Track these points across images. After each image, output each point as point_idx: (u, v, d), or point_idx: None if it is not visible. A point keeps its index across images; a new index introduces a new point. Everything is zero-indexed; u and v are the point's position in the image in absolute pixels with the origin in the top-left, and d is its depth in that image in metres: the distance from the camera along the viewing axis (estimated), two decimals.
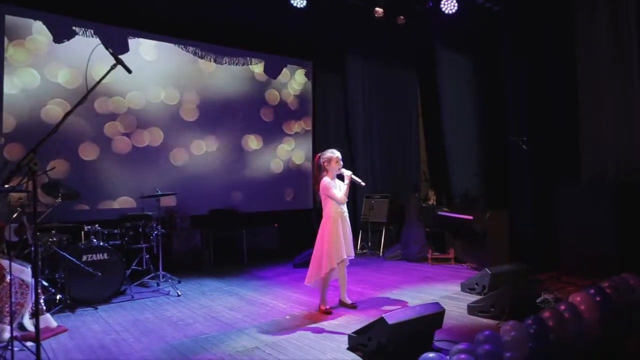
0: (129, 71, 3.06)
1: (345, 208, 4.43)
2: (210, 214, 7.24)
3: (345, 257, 4.41)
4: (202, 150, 7.34)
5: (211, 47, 7.44)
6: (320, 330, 3.90)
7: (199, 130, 7.31)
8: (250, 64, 7.94)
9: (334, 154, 4.42)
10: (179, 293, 5.22)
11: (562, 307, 3.28)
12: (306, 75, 8.64)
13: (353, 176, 4.39)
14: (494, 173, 7.03)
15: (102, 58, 3.32)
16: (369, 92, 8.59)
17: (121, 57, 3.02)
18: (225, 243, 7.13)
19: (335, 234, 4.32)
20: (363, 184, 4.42)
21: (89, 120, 6.35)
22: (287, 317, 4.30)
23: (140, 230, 5.48)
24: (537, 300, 4.32)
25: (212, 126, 7.44)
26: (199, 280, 5.96)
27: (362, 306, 4.59)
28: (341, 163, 4.42)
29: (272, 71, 8.19)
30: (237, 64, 7.78)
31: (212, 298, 5.07)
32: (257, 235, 7.57)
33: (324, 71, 8.68)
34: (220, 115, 7.54)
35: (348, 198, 4.49)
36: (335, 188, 4.38)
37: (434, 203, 7.80)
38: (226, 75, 7.64)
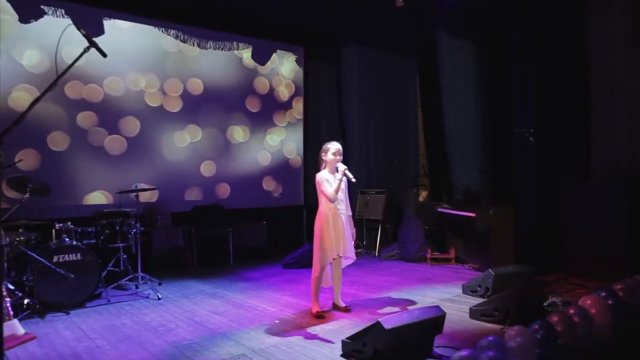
0: (104, 55, 2.98)
1: (341, 206, 4.44)
2: (193, 210, 7.21)
3: (338, 257, 4.41)
4: (185, 142, 7.30)
5: (194, 30, 7.38)
6: (312, 336, 3.90)
7: (182, 121, 7.27)
8: (237, 49, 7.89)
9: (333, 145, 4.43)
10: (160, 296, 5.20)
11: (572, 311, 3.26)
12: (297, 62, 8.61)
13: (346, 171, 4.39)
14: (498, 167, 7.04)
15: (74, 40, 3.24)
16: (365, 81, 8.58)
17: (96, 39, 2.94)
18: (210, 242, 7.12)
19: (326, 231, 4.33)
20: (354, 180, 4.43)
21: (60, 107, 6.25)
22: (277, 321, 4.29)
23: (118, 228, 5.43)
24: (545, 304, 4.32)
25: (195, 116, 7.40)
26: (181, 282, 5.94)
27: (356, 310, 4.59)
28: (340, 157, 4.43)
29: (261, 57, 8.14)
30: (222, 49, 7.72)
31: (196, 301, 5.05)
32: (244, 233, 7.56)
33: (317, 58, 8.66)
34: (205, 104, 7.50)
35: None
36: (329, 183, 4.39)
37: (427, 199, 7.81)
38: (211, 61, 7.58)
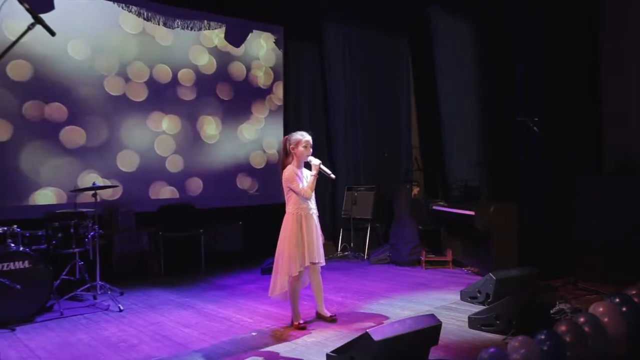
0: (52, 33, 2.88)
1: (312, 204, 4.42)
2: (160, 210, 7.15)
3: (314, 262, 4.38)
4: (150, 135, 7.22)
5: (159, 6, 7.26)
6: (293, 350, 3.87)
7: (146, 110, 7.18)
8: (209, 29, 7.80)
9: (303, 136, 4.40)
10: (121, 307, 5.13)
11: (582, 320, 3.27)
12: (276, 43, 8.56)
13: (322, 166, 4.38)
14: (499, 160, 7.06)
15: (17, 15, 3.11)
16: (351, 64, 8.57)
17: (44, 16, 2.84)
18: (179, 245, 7.09)
19: (297, 235, 4.30)
20: (333, 175, 4.43)
21: (2, 90, 6.08)
22: (253, 333, 4.27)
23: (72, 231, 5.33)
24: (551, 311, 4.32)
25: (161, 105, 7.31)
26: (146, 292, 5.90)
27: (342, 319, 4.58)
28: (310, 149, 4.41)
29: (235, 38, 8.06)
30: (192, 29, 7.64)
31: (162, 312, 5.01)
32: (218, 235, 7.55)
33: (298, 38, 8.62)
34: (172, 92, 7.42)
35: (316, 191, 4.47)
36: (300, 179, 4.36)
37: (422, 197, 7.84)
38: (179, 43, 7.50)
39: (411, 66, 9.00)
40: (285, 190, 4.38)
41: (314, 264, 4.39)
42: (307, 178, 4.43)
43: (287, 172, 4.35)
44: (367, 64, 8.62)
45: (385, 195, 8.07)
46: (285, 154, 4.43)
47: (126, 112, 6.99)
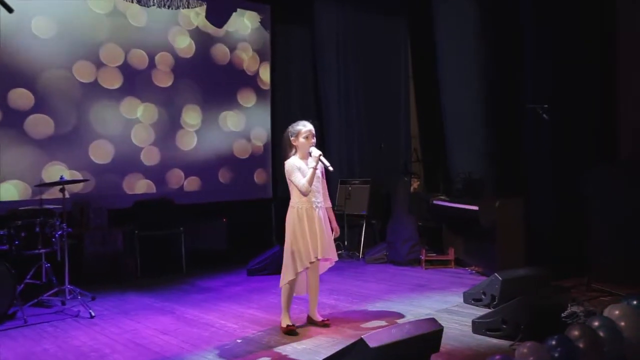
0: (10, 10, 2.81)
1: (316, 197, 4.47)
2: (135, 206, 7.12)
3: (316, 259, 4.41)
4: (125, 124, 7.19)
5: None
6: (282, 357, 3.87)
7: (121, 98, 7.15)
8: (188, 7, 7.75)
9: (305, 127, 4.47)
10: (93, 314, 5.09)
11: (596, 323, 3.28)
12: (262, 23, 8.53)
13: (322, 157, 4.43)
14: (505, 150, 7.04)
15: None
16: (346, 48, 8.57)
17: None
18: (157, 245, 7.09)
19: (299, 230, 4.36)
20: (331, 167, 4.48)
21: None
22: (239, 340, 4.26)
23: (38, 230, 5.28)
24: (563, 315, 4.33)
25: (137, 92, 7.28)
26: (121, 296, 5.88)
27: (336, 324, 4.58)
28: (313, 139, 4.47)
29: (217, 17, 8.01)
30: (169, 7, 7.57)
31: (139, 319, 4.98)
32: (200, 233, 7.56)
33: (287, 19, 8.60)
34: (148, 77, 7.39)
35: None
36: (301, 171, 4.41)
37: (422, 191, 7.86)
38: (154, 23, 7.44)
39: (410, 50, 9.00)
40: (288, 183, 4.45)
41: (319, 260, 4.44)
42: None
43: (288, 165, 4.41)
44: (363, 47, 8.62)
45: (382, 189, 8.08)
46: (288, 147, 4.51)
47: (98, 98, 6.95)
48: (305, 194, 4.35)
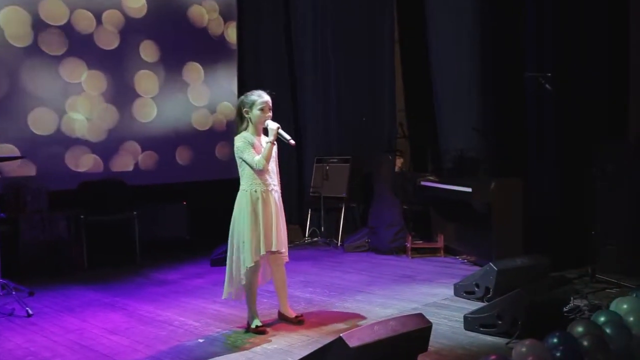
0: None
1: (272, 179, 4.44)
2: (81, 188, 7.11)
3: (272, 251, 4.39)
4: (70, 94, 7.16)
5: None
6: (250, 359, 3.87)
7: (63, 63, 7.11)
8: None
9: (260, 97, 4.42)
10: (30, 312, 5.04)
11: (602, 319, 3.34)
12: None
13: (280, 131, 4.39)
14: (502, 125, 7.06)
15: None
16: (323, 10, 8.50)
17: None
18: (107, 232, 7.10)
19: (251, 216, 4.30)
20: (292, 142, 4.45)
21: None
22: (201, 340, 4.26)
23: None
24: (565, 309, 4.36)
25: (82, 55, 7.24)
26: (64, 291, 5.84)
27: (311, 321, 4.60)
28: (269, 112, 4.44)
29: None
30: None
31: (84, 317, 4.94)
32: (157, 219, 7.60)
33: None
34: (94, 40, 7.34)
35: (279, 163, 4.52)
36: (255, 148, 4.37)
37: (408, 170, 7.90)
38: None
39: (396, 10, 8.91)
40: (238, 162, 4.40)
41: (272, 252, 4.40)
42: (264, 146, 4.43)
43: (239, 140, 4.36)
44: (342, 6, 8.55)
45: (363, 168, 8.09)
46: (240, 119, 4.46)
47: (36, 64, 6.91)
48: (262, 171, 4.31)
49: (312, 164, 8.26)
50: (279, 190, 4.50)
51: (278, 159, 4.54)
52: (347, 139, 8.51)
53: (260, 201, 4.31)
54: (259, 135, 4.43)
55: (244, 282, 4.34)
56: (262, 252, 4.29)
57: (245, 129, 4.41)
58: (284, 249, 4.46)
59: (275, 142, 4.37)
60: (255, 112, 4.35)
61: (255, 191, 4.32)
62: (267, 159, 4.31)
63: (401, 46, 8.97)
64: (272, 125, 4.36)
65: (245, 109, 4.39)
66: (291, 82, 8.52)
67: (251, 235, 4.27)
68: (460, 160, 7.02)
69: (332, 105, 8.53)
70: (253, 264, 4.28)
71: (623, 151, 5.84)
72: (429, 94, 7.85)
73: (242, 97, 4.47)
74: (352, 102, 8.57)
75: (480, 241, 6.30)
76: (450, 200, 6.66)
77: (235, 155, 4.38)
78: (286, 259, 4.54)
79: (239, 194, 4.39)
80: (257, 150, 4.33)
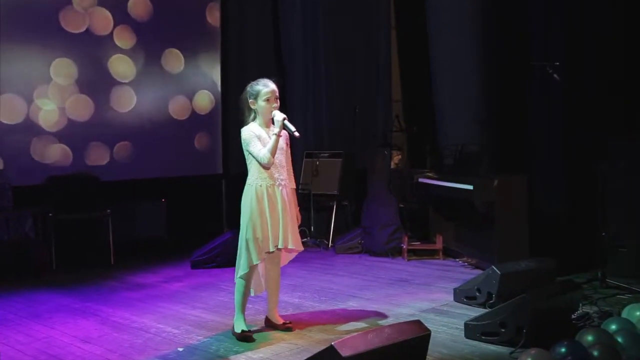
0: None
1: (279, 174, 4.46)
2: (49, 182, 7.09)
3: (276, 249, 4.41)
4: (35, 79, 7.10)
5: None
6: None
7: (28, 43, 7.06)
8: None
9: (266, 86, 4.45)
10: None
11: (613, 327, 3.36)
12: None
13: (286, 122, 4.41)
14: (506, 118, 7.07)
15: None
16: None
17: None
18: (78, 231, 7.09)
19: (257, 211, 4.33)
20: (297, 133, 4.47)
21: None
22: (180, 349, 4.25)
23: None
24: (573, 316, 4.39)
25: (48, 39, 7.20)
26: (31, 295, 5.82)
27: (300, 327, 4.60)
28: (276, 102, 4.47)
29: None
30: None
31: (52, 323, 4.91)
32: (133, 217, 7.61)
33: None
34: (61, 23, 7.27)
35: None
36: (262, 141, 4.39)
37: (405, 166, 7.90)
38: None
39: None
40: (245, 155, 4.45)
41: (277, 249, 4.42)
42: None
43: (245, 132, 4.40)
44: None
45: (357, 164, 8.11)
46: (246, 111, 4.51)
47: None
48: (266, 166, 4.34)
49: (301, 158, 8.24)
50: (291, 185, 4.54)
51: (291, 151, 4.61)
52: (339, 132, 8.52)
53: (265, 196, 4.34)
54: (267, 126, 4.45)
55: (239, 275, 4.37)
56: (271, 248, 4.34)
57: (253, 120, 4.46)
58: (295, 246, 4.46)
59: (281, 134, 4.39)
60: (261, 102, 4.39)
61: (261, 186, 4.36)
62: (273, 152, 4.34)
63: (398, 32, 8.98)
64: (278, 117, 4.38)
65: (251, 100, 4.43)
66: (278, 69, 8.51)
67: (256, 232, 4.31)
68: (461, 156, 6.99)
69: (322, 95, 8.53)
70: (259, 262, 4.35)
71: (636, 146, 5.84)
72: (428, 84, 7.85)
73: (248, 86, 4.50)
74: (345, 92, 8.58)
75: (482, 243, 6.31)
76: (450, 199, 6.67)
77: (243, 147, 4.42)
78: (301, 248, 4.54)
79: (245, 188, 4.45)
80: (264, 143, 4.37)
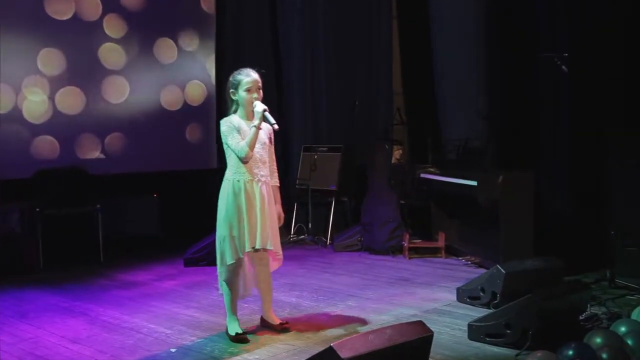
0: None
1: (259, 169, 4.42)
2: (38, 177, 7.10)
3: (252, 249, 4.36)
4: (20, 68, 7.12)
5: None
6: None
7: (16, 34, 7.06)
8: None
9: (248, 76, 4.41)
10: None
11: (622, 329, 3.37)
12: None
13: (266, 113, 4.38)
14: (511, 111, 7.07)
15: None
16: None
17: None
18: (66, 227, 7.08)
19: (233, 208, 4.31)
20: (276, 126, 4.44)
21: None
22: (173, 350, 4.25)
23: None
24: (581, 318, 4.39)
25: (41, 25, 7.21)
26: (18, 294, 5.83)
27: (297, 328, 4.59)
28: (258, 92, 4.43)
29: None
30: None
31: (40, 323, 4.91)
32: (124, 212, 7.65)
33: None
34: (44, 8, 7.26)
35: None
36: (242, 134, 4.36)
37: (406, 161, 7.90)
38: None
39: None
40: (225, 148, 4.42)
41: (256, 251, 4.38)
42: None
43: (223, 124, 4.38)
44: None
45: (356, 158, 8.12)
46: (228, 102, 4.51)
47: None
48: (244, 160, 4.29)
49: (299, 152, 8.25)
50: (273, 182, 4.52)
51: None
52: (338, 126, 8.52)
53: (243, 192, 4.30)
54: (249, 118, 4.41)
55: (222, 277, 4.36)
56: (247, 248, 4.29)
57: (235, 112, 4.43)
58: (273, 247, 4.41)
59: (262, 127, 4.35)
60: (242, 93, 4.36)
61: (238, 181, 4.32)
62: (252, 145, 4.28)
63: (399, 22, 8.96)
64: (259, 108, 4.33)
65: (232, 90, 4.42)
66: (275, 61, 8.52)
67: (231, 231, 4.27)
68: (465, 151, 6.99)
69: (321, 87, 8.53)
70: (234, 262, 4.29)
71: None
72: (430, 76, 7.87)
73: (231, 76, 4.48)
74: (344, 84, 8.57)
75: (486, 241, 6.31)
76: (452, 195, 6.68)
77: (222, 140, 4.40)
78: (279, 261, 4.55)
79: (223, 183, 4.42)
80: (245, 135, 4.33)
